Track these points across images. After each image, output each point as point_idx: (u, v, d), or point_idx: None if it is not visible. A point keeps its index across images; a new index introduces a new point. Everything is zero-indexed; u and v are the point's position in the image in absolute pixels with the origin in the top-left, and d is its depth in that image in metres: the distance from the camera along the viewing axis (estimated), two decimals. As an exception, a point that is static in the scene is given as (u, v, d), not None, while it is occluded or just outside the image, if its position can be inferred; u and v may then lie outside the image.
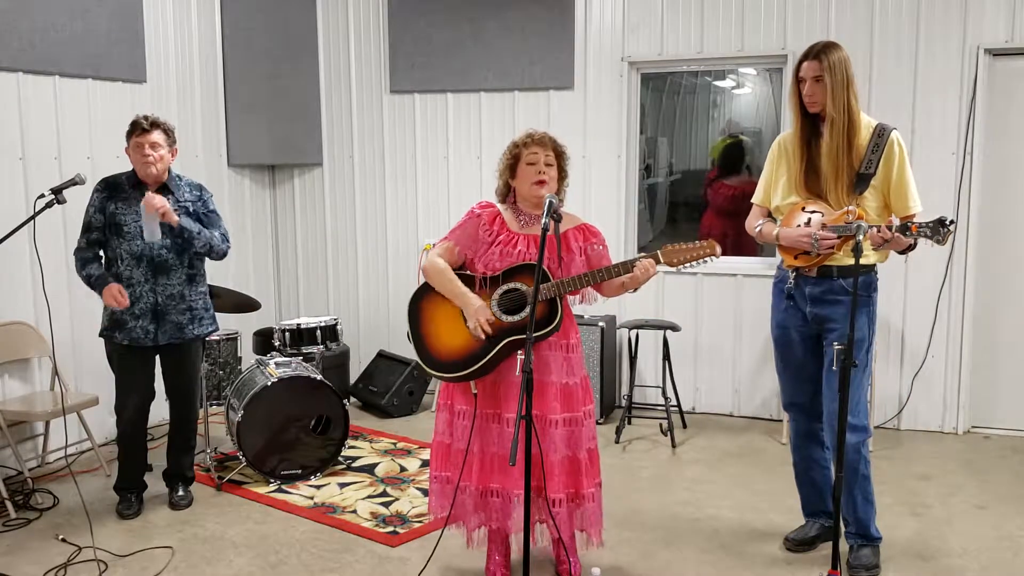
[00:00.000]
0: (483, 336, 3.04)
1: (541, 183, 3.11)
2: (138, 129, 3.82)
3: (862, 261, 3.24)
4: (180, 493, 4.17)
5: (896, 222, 3.12)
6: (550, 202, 2.89)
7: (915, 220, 3.14)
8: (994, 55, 4.90)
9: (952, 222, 3.01)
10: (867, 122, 3.29)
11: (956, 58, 4.90)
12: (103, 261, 3.94)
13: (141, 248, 3.84)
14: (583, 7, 5.56)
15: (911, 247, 3.17)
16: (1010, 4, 4.79)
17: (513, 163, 3.19)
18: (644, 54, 5.48)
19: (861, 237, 2.95)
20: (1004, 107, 4.96)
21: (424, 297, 3.25)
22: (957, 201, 4.96)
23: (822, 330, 3.35)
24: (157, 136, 3.84)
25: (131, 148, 3.86)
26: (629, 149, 5.60)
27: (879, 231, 3.08)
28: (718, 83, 6.00)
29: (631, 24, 5.48)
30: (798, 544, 3.60)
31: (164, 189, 3.93)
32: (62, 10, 4.67)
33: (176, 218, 3.78)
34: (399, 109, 6.04)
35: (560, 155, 3.21)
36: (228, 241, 4.06)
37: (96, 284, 3.84)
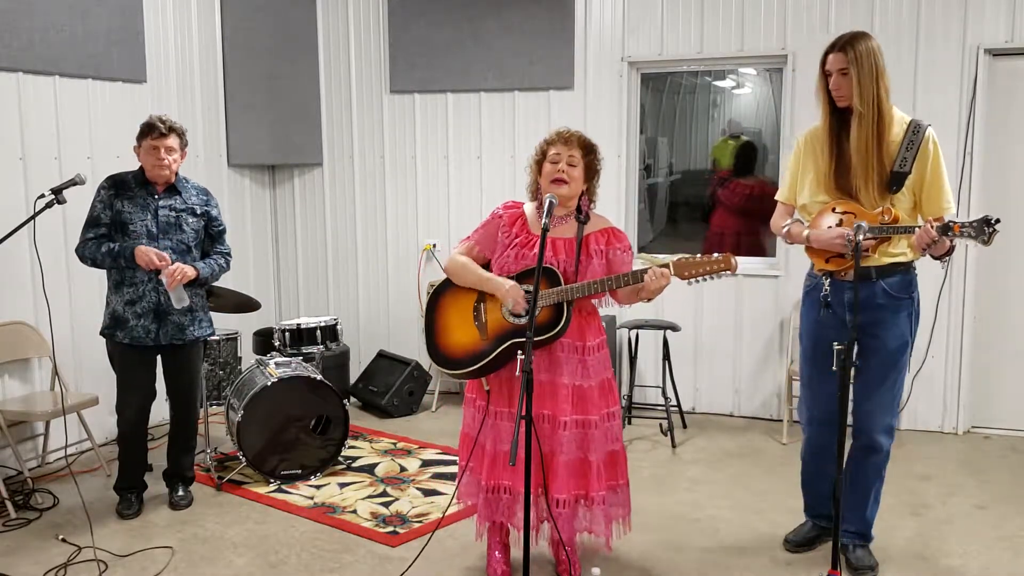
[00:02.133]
0: (523, 311, 3.02)
1: (557, 182, 3.10)
2: (155, 132, 3.81)
3: (899, 260, 3.15)
4: (180, 493, 4.17)
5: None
6: (550, 202, 2.97)
7: (956, 220, 2.90)
8: (994, 55, 4.89)
9: (998, 220, 2.80)
10: (900, 117, 3.13)
11: (956, 58, 4.90)
12: None
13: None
14: (583, 7, 5.56)
15: (950, 251, 2.99)
16: (1010, 4, 4.79)
17: (540, 159, 3.19)
18: (644, 54, 5.48)
19: (861, 237, 2.89)
20: (1004, 107, 4.95)
21: (443, 294, 3.28)
22: (957, 201, 4.95)
23: (863, 336, 3.16)
24: (173, 141, 3.85)
25: (144, 149, 3.85)
26: (629, 149, 5.60)
27: (923, 231, 2.90)
28: (718, 83, 6.00)
29: (631, 24, 5.48)
30: (798, 544, 3.60)
31: (172, 190, 3.94)
32: (62, 10, 4.67)
33: (193, 271, 3.84)
34: (399, 109, 6.04)
35: (589, 152, 3.17)
36: (230, 256, 4.15)
37: (121, 253, 3.79)
